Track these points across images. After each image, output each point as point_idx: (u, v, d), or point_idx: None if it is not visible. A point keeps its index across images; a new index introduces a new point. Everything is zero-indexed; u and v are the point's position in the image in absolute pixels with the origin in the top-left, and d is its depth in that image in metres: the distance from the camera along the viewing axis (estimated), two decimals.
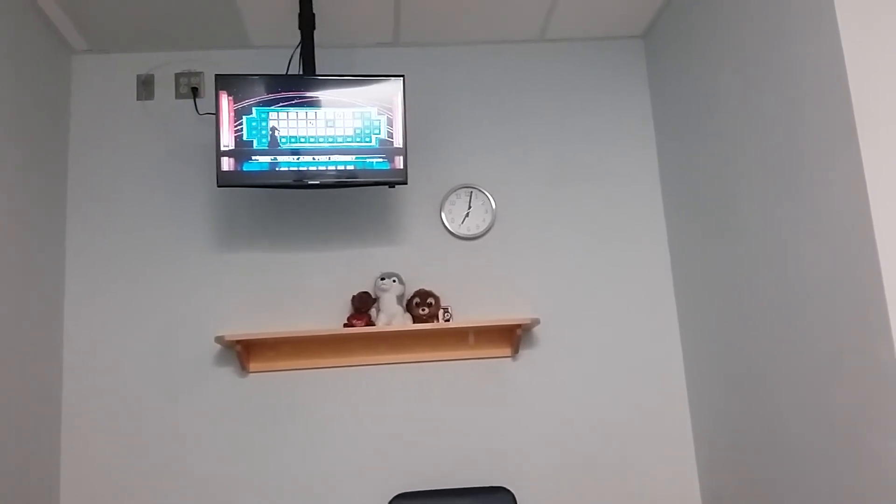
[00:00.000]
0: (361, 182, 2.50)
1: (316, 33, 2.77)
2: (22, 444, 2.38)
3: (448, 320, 2.71)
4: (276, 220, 2.83)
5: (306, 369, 2.73)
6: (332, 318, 2.76)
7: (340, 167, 2.49)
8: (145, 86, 2.88)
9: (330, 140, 2.49)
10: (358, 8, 2.70)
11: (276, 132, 2.47)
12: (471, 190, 2.88)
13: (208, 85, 2.88)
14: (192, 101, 2.87)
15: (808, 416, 2.00)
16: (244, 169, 2.45)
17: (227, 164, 2.45)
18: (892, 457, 1.67)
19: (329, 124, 2.49)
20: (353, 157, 2.50)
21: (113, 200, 2.80)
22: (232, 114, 2.45)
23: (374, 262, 2.81)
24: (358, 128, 2.50)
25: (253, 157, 2.45)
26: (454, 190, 2.88)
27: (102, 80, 2.87)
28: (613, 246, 2.89)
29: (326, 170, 2.48)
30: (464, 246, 2.86)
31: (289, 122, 2.47)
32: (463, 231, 2.86)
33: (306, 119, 2.48)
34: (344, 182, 2.49)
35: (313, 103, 2.49)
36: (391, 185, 2.55)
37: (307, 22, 2.60)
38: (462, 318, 2.79)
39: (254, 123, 2.46)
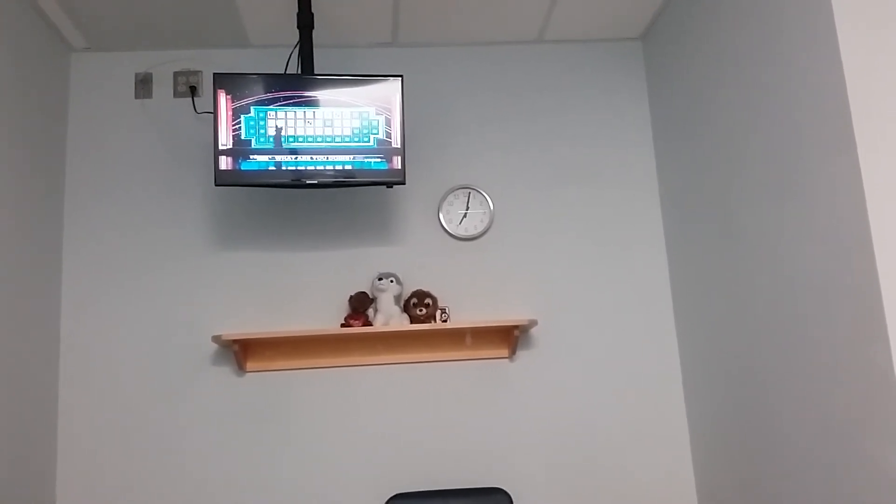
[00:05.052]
0: (359, 182, 2.50)
1: (315, 33, 2.77)
2: (18, 444, 2.37)
3: (445, 321, 2.71)
4: (274, 220, 2.83)
5: (303, 369, 2.73)
6: (329, 318, 2.76)
7: (338, 167, 2.49)
8: (144, 84, 2.88)
9: (328, 140, 2.49)
10: (357, 8, 2.70)
11: (275, 131, 2.47)
12: (469, 190, 2.88)
13: (207, 84, 2.88)
14: (190, 99, 2.87)
15: (804, 419, 2.00)
16: (242, 168, 2.45)
17: (224, 163, 2.45)
18: (888, 460, 1.67)
19: (327, 124, 2.49)
20: (352, 156, 2.50)
21: (110, 199, 2.80)
22: (230, 113, 2.45)
23: (371, 263, 2.81)
24: (356, 128, 2.50)
25: (251, 157, 2.45)
26: (452, 190, 2.88)
27: (101, 79, 2.87)
28: (611, 247, 2.89)
29: (324, 169, 2.48)
30: (461, 246, 2.86)
31: (287, 122, 2.47)
32: (461, 232, 2.86)
33: (304, 118, 2.48)
34: (342, 182, 2.49)
35: (312, 103, 2.49)
36: (389, 185, 2.55)
37: (306, 21, 2.60)
38: (459, 318, 2.79)
39: (252, 122, 2.46)
